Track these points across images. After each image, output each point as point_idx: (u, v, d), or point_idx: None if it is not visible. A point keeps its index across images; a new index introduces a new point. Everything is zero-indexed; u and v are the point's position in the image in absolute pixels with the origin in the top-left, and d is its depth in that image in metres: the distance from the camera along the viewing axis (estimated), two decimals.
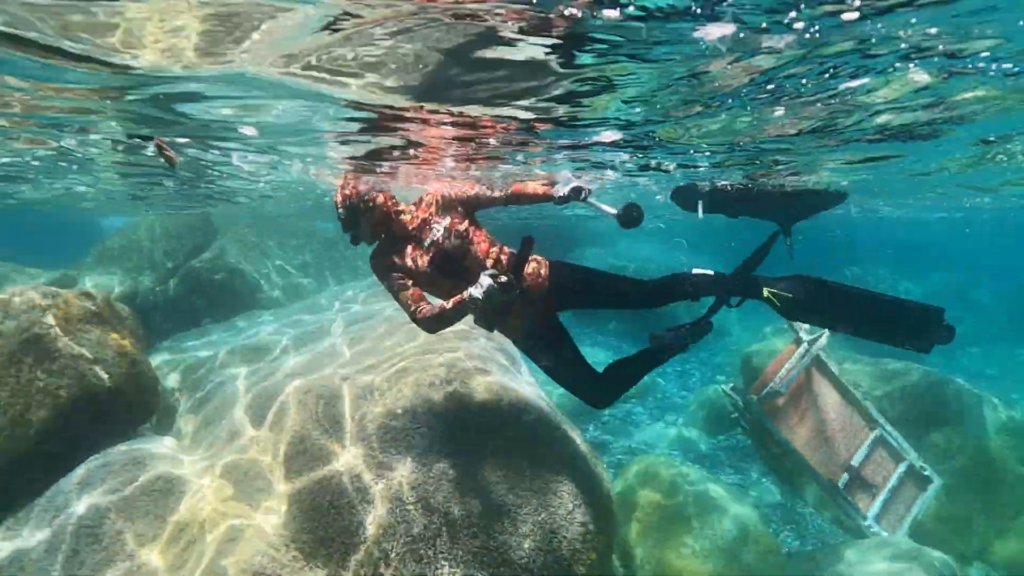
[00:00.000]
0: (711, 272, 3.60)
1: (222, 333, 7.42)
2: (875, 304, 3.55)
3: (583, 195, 3.35)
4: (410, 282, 3.40)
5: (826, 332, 5.56)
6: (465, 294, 3.13)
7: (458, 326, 4.10)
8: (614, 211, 3.40)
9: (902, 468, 5.19)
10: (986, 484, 6.51)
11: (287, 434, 3.73)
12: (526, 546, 3.33)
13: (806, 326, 5.49)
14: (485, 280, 3.05)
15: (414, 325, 3.40)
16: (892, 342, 3.49)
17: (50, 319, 4.23)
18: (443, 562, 3.21)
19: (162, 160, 3.91)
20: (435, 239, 3.42)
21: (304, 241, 11.55)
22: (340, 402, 3.93)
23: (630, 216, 3.40)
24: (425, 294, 3.45)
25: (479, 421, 3.78)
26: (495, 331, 3.54)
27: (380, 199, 3.49)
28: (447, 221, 3.47)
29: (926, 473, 5.22)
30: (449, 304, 3.22)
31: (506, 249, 3.56)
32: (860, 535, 5.37)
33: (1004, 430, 6.88)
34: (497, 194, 3.55)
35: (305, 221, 12.90)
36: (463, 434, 3.68)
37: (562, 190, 3.35)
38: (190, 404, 5.28)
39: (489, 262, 3.41)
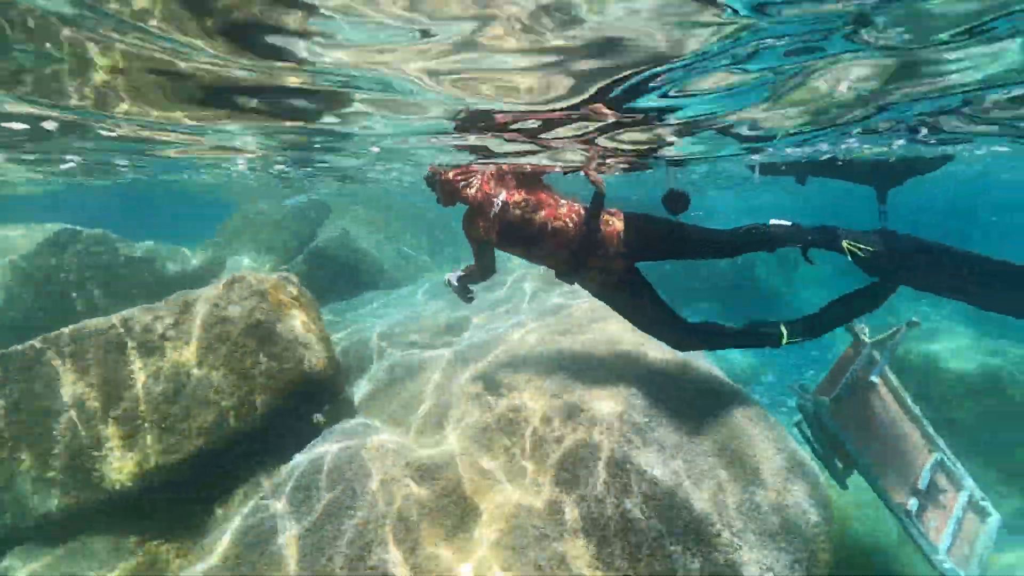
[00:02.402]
0: (788, 223, 3.52)
1: (359, 311, 7.58)
2: (986, 266, 2.97)
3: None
4: (477, 253, 3.93)
5: (900, 332, 4.57)
6: (452, 277, 4.00)
7: None
8: (674, 186, 3.71)
9: (963, 497, 4.64)
10: None
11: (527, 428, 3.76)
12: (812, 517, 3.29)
13: (866, 327, 4.51)
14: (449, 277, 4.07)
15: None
16: (1015, 313, 2.92)
17: (267, 304, 4.36)
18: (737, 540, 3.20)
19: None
20: (495, 212, 3.72)
21: (408, 220, 11.67)
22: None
23: (679, 202, 3.68)
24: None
25: (716, 417, 3.74)
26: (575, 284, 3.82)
27: (449, 175, 3.89)
28: (503, 195, 3.74)
29: (983, 505, 4.66)
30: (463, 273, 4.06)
31: (576, 206, 3.70)
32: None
33: None
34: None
35: (399, 199, 12.88)
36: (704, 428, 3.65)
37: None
38: (368, 387, 5.40)
39: (557, 224, 3.64)
